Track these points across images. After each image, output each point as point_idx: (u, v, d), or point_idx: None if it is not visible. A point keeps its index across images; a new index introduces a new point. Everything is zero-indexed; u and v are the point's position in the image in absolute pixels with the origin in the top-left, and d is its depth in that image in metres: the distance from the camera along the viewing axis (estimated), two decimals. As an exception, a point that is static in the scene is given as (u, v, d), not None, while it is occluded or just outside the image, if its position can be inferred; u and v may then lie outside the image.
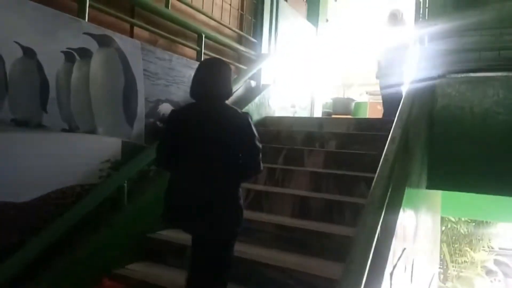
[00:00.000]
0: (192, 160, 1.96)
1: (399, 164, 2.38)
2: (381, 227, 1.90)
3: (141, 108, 2.98)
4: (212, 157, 1.94)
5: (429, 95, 3.30)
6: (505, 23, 3.25)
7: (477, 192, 3.62)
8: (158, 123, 3.11)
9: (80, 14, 2.56)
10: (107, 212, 2.66)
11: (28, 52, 2.23)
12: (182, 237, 2.66)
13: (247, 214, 2.56)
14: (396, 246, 2.17)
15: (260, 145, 1.99)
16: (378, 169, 2.23)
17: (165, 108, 3.17)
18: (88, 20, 2.59)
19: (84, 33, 2.55)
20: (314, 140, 3.94)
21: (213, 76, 2.02)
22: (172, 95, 3.23)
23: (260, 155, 2.00)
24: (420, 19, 3.95)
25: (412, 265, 2.91)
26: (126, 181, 2.76)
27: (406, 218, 2.51)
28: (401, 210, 2.25)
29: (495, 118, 3.12)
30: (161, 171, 3.04)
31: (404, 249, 2.65)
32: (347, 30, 7.88)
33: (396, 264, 2.24)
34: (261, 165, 2.01)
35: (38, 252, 2.22)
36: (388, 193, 2.09)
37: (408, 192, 2.49)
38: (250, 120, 1.99)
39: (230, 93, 2.06)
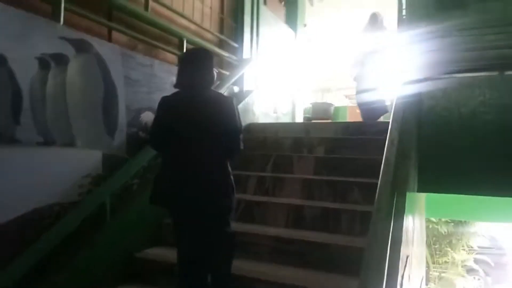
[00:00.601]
0: (181, 143, 2.06)
1: (399, 168, 2.31)
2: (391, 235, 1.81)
3: (122, 117, 2.78)
4: (199, 139, 2.04)
5: (416, 97, 3.27)
6: (486, 23, 3.26)
7: (466, 194, 3.60)
8: (140, 133, 2.92)
9: (55, 17, 2.36)
10: (89, 232, 2.44)
11: (-2, 59, 2.02)
12: (170, 255, 2.50)
13: (239, 226, 2.43)
14: (402, 254, 2.08)
15: (240, 126, 2.13)
16: (381, 174, 2.16)
17: (148, 117, 2.98)
18: (63, 24, 2.39)
19: (60, 38, 2.35)
20: (302, 146, 3.84)
21: (196, 67, 2.12)
22: (154, 102, 2.99)
23: (240, 136, 2.12)
24: (403, 21, 3.96)
25: (410, 271, 2.84)
26: (108, 197, 2.56)
27: (408, 224, 2.43)
28: (405, 216, 2.17)
29: (481, 119, 3.10)
30: (145, 184, 2.87)
31: (408, 256, 2.57)
32: (325, 34, 7.88)
33: (403, 274, 2.15)
34: (241, 144, 2.13)
35: (16, 278, 2.00)
36: (395, 199, 2.01)
37: (409, 196, 2.42)
38: (232, 102, 2.14)
39: (212, 81, 2.18)
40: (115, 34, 2.82)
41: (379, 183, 2.05)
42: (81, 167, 2.48)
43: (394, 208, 1.94)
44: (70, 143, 2.43)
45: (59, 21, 2.37)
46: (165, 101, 2.18)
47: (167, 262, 2.52)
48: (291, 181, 3.26)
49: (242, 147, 2.14)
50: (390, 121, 2.70)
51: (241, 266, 2.37)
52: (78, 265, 2.33)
